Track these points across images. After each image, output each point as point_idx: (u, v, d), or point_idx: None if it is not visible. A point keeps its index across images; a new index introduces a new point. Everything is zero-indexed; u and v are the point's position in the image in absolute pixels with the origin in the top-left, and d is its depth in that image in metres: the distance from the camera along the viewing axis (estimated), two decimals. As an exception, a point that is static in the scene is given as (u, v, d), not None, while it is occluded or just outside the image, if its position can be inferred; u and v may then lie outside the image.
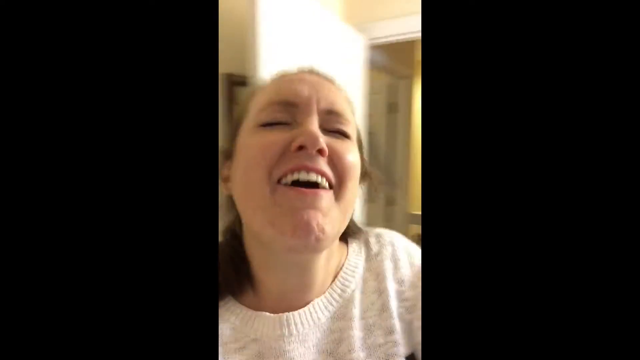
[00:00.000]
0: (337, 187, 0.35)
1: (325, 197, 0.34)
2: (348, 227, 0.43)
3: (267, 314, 0.38)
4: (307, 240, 0.32)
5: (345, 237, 0.45)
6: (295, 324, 0.37)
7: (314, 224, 0.32)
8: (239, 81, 1.01)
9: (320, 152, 0.33)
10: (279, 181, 0.33)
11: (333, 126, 0.37)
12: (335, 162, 0.35)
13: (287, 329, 0.37)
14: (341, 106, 0.38)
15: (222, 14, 0.99)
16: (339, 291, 0.40)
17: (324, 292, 0.40)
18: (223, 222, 0.44)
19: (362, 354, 0.36)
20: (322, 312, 0.39)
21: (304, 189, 0.33)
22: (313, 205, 0.32)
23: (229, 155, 0.40)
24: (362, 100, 1.46)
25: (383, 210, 2.31)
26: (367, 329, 0.38)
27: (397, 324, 0.38)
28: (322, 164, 0.34)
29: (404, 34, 1.43)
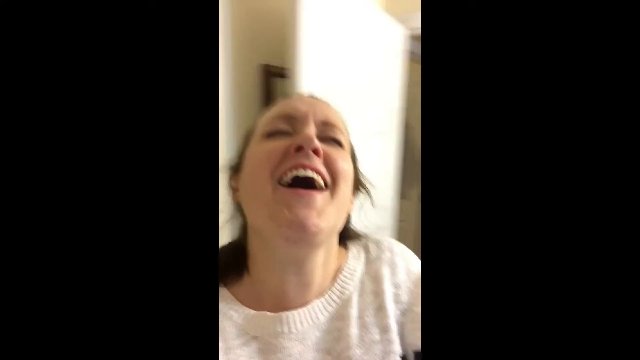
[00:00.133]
0: (332, 187, 0.39)
1: (320, 197, 0.37)
2: (349, 233, 0.49)
3: (268, 313, 0.40)
4: (302, 232, 0.35)
5: (345, 243, 0.48)
6: (295, 323, 0.40)
7: (309, 221, 0.35)
8: (277, 72, 1.01)
9: (315, 152, 0.38)
10: (280, 182, 0.37)
11: (328, 135, 0.42)
12: (330, 164, 0.39)
13: (286, 327, 0.39)
14: (335, 119, 0.44)
15: (261, 5, 1.00)
16: (338, 293, 0.43)
17: (324, 294, 0.42)
18: (232, 228, 0.50)
19: (358, 351, 0.38)
20: (321, 313, 0.41)
21: (300, 190, 0.36)
22: (308, 205, 0.36)
23: (238, 168, 0.45)
24: (401, 93, 1.42)
25: (416, 206, 2.26)
26: (364, 328, 0.40)
27: (393, 324, 0.40)
28: (318, 162, 0.38)
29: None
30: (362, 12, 1.09)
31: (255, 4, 0.99)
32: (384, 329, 0.40)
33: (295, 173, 0.37)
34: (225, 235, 0.53)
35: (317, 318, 0.40)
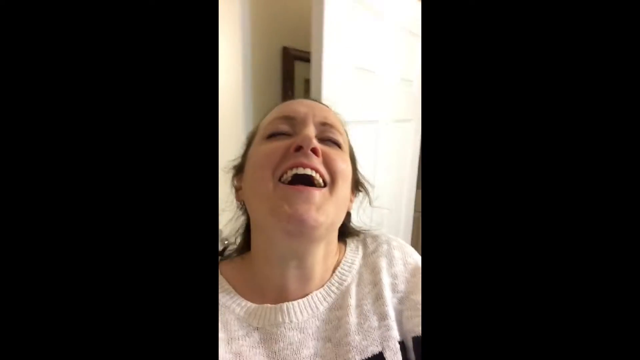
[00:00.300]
0: (330, 185, 0.40)
1: (319, 194, 0.39)
2: (347, 229, 0.51)
3: (269, 305, 0.42)
4: (301, 226, 0.37)
5: (345, 240, 0.50)
6: (295, 313, 0.41)
7: (308, 215, 0.37)
8: (299, 55, 0.99)
9: (314, 151, 0.39)
10: (280, 180, 0.39)
11: (327, 135, 0.43)
12: (328, 164, 0.41)
13: (287, 317, 0.41)
14: (334, 120, 0.45)
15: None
16: (336, 284, 0.44)
17: (323, 285, 0.44)
18: (235, 226, 0.52)
19: (357, 337, 0.39)
20: (320, 303, 0.42)
21: (300, 187, 0.38)
22: (308, 200, 0.38)
23: (241, 169, 0.47)
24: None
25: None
26: (363, 315, 0.41)
27: (391, 311, 0.41)
28: (316, 161, 0.40)
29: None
30: (389, -5, 1.05)
31: (279, -17, 0.96)
32: (382, 316, 0.40)
33: (295, 171, 0.39)
34: (227, 234, 0.55)
35: (317, 308, 0.42)
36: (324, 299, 0.43)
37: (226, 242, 0.78)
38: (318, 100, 0.50)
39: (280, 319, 0.40)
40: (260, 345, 0.40)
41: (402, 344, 0.39)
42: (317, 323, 0.41)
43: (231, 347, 0.39)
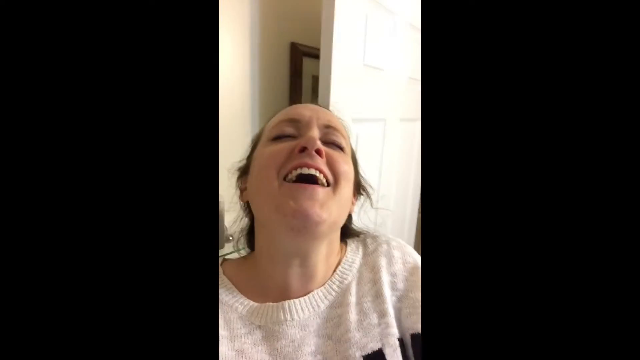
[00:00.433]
0: (334, 185, 0.42)
1: (322, 191, 0.40)
2: (349, 230, 0.52)
3: (271, 303, 0.43)
4: (305, 221, 0.37)
5: (346, 241, 0.51)
6: (297, 311, 0.42)
7: (312, 210, 0.38)
8: (308, 52, 0.99)
9: (318, 152, 0.41)
10: (285, 179, 0.40)
11: (330, 138, 0.45)
12: (332, 165, 0.42)
13: (289, 315, 0.41)
14: (337, 124, 0.47)
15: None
16: (337, 282, 0.45)
17: (324, 284, 0.45)
18: (240, 227, 0.54)
19: (357, 334, 0.40)
20: (321, 301, 0.43)
21: (304, 184, 0.39)
22: (312, 197, 0.39)
23: (246, 170, 0.49)
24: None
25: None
26: (363, 313, 0.41)
27: (390, 309, 0.42)
28: (321, 162, 0.41)
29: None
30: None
31: (288, -22, 0.95)
32: (382, 314, 0.41)
33: (299, 171, 0.40)
34: (231, 231, 0.55)
35: (318, 306, 0.43)
36: (325, 297, 0.43)
37: (231, 238, 0.79)
38: (323, 104, 0.52)
39: (282, 317, 0.41)
40: (262, 342, 0.40)
41: (401, 341, 0.40)
42: (318, 320, 0.42)
43: (234, 345, 0.40)
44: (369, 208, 0.55)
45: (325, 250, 0.44)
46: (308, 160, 0.40)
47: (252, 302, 0.43)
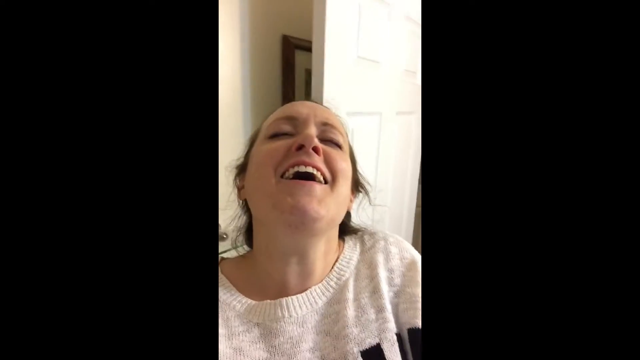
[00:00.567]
0: (331, 183, 0.41)
1: (320, 188, 0.40)
2: (346, 227, 0.52)
3: (269, 300, 0.43)
4: (303, 217, 0.37)
5: (344, 238, 0.51)
6: (294, 307, 0.42)
7: (309, 207, 0.38)
8: (300, 45, 0.96)
9: (315, 150, 0.41)
10: (282, 177, 0.40)
11: (328, 136, 0.45)
12: (329, 163, 0.42)
13: (286, 312, 0.41)
14: (335, 121, 0.47)
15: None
16: (335, 279, 0.45)
17: (321, 280, 0.45)
18: (238, 225, 0.54)
19: (355, 330, 0.39)
20: (319, 297, 0.43)
21: (302, 180, 0.39)
22: (309, 193, 0.38)
23: (243, 168, 0.48)
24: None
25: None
26: (360, 308, 0.41)
27: (387, 304, 0.42)
28: (318, 160, 0.41)
29: None
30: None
31: (279, -31, 0.92)
32: (379, 309, 0.41)
33: (296, 169, 0.40)
34: (224, 228, 0.54)
35: (316, 303, 0.42)
36: (323, 294, 0.43)
37: (225, 236, 0.78)
38: (316, 98, 0.52)
39: (280, 314, 0.41)
40: (260, 340, 0.40)
41: (399, 336, 0.40)
42: (316, 317, 0.41)
43: (232, 343, 0.39)
44: (366, 205, 0.55)
45: (323, 248, 0.44)
46: (305, 158, 0.40)
47: (250, 300, 0.43)
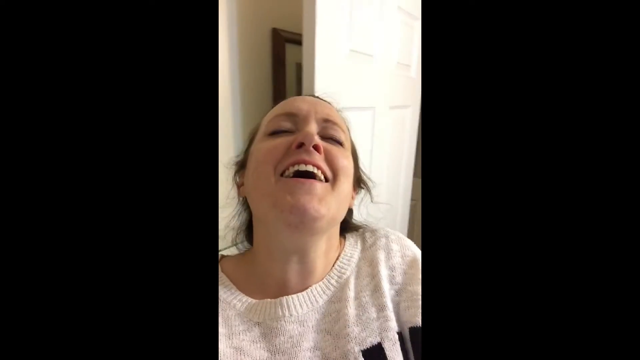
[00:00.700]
0: (332, 181, 0.41)
1: (320, 186, 0.39)
2: (347, 224, 0.52)
3: (269, 299, 0.42)
4: (303, 216, 0.36)
5: (345, 235, 0.50)
6: (295, 306, 0.41)
7: (310, 205, 0.37)
8: (291, 38, 0.93)
9: (316, 148, 0.40)
10: (282, 175, 0.39)
11: (329, 133, 0.44)
12: (330, 161, 0.41)
13: (287, 311, 0.41)
14: (336, 117, 0.46)
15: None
16: (335, 277, 0.44)
17: (322, 279, 0.44)
18: (238, 222, 0.53)
19: (356, 329, 0.39)
20: (319, 296, 0.42)
21: (302, 178, 0.38)
22: (309, 191, 0.37)
23: (243, 165, 0.47)
24: (422, 64, 1.33)
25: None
26: (361, 307, 0.41)
27: (389, 303, 0.41)
28: (318, 158, 0.40)
29: None
30: (385, -28, 0.99)
31: (268, -41, 0.89)
32: (381, 308, 0.41)
33: (296, 168, 0.39)
34: (230, 230, 0.54)
35: (316, 301, 0.42)
36: (324, 292, 0.43)
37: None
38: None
39: (280, 313, 0.40)
40: (260, 339, 0.39)
41: (400, 335, 0.39)
42: (317, 316, 0.41)
43: (232, 342, 0.39)
44: (364, 201, 0.54)
45: (324, 246, 0.44)
46: (305, 157, 0.39)
47: (250, 299, 0.43)
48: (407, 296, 0.42)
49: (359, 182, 0.51)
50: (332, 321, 0.41)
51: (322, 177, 0.40)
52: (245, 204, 0.50)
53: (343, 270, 0.45)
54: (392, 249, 0.47)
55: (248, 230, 0.52)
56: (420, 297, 0.41)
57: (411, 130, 1.36)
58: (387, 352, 0.37)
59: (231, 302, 0.43)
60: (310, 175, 0.39)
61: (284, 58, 0.93)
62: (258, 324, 0.41)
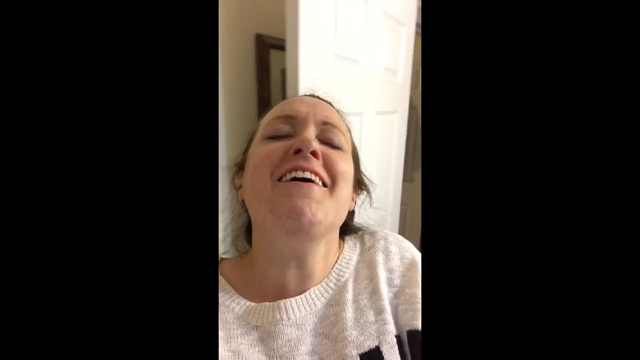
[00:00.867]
0: (331, 187, 0.40)
1: (318, 190, 0.38)
2: (347, 227, 0.50)
3: (267, 303, 0.41)
4: (300, 221, 0.36)
5: (344, 237, 0.50)
6: (293, 310, 0.40)
7: (307, 209, 0.36)
8: (275, 44, 0.92)
9: (313, 154, 0.39)
10: (279, 180, 0.39)
11: (328, 136, 0.42)
12: (329, 167, 0.40)
13: (285, 314, 0.40)
14: (336, 119, 0.44)
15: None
16: (334, 280, 0.43)
17: (320, 282, 0.43)
18: (236, 225, 0.52)
19: (354, 332, 0.38)
20: (317, 299, 0.42)
21: (299, 182, 0.37)
22: (307, 195, 0.37)
23: (242, 167, 0.47)
24: (408, 69, 1.33)
25: (420, 190, 2.20)
26: (359, 310, 0.40)
27: (387, 306, 0.40)
28: (316, 164, 0.39)
29: None
30: (370, -22, 0.98)
31: (251, -36, 0.88)
32: (379, 311, 0.40)
33: (294, 174, 0.38)
34: (227, 233, 0.55)
35: (314, 304, 0.41)
36: (322, 295, 0.42)
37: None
38: (321, 97, 0.49)
39: (278, 317, 0.40)
40: (258, 343, 0.39)
41: (398, 338, 0.39)
42: (315, 319, 0.40)
43: (230, 346, 0.38)
44: (359, 207, 0.53)
45: (323, 250, 0.43)
46: (303, 163, 0.38)
47: (248, 302, 0.42)
48: (406, 299, 0.41)
49: (359, 185, 0.50)
50: (330, 324, 0.40)
51: (320, 184, 0.39)
52: (245, 206, 0.49)
53: (341, 273, 0.44)
54: (390, 251, 0.46)
55: (247, 232, 0.51)
56: (418, 300, 0.40)
57: (399, 136, 1.36)
58: (385, 356, 0.36)
59: (229, 306, 0.42)
60: (308, 182, 0.38)
61: (269, 64, 0.92)
62: (256, 327, 0.40)
